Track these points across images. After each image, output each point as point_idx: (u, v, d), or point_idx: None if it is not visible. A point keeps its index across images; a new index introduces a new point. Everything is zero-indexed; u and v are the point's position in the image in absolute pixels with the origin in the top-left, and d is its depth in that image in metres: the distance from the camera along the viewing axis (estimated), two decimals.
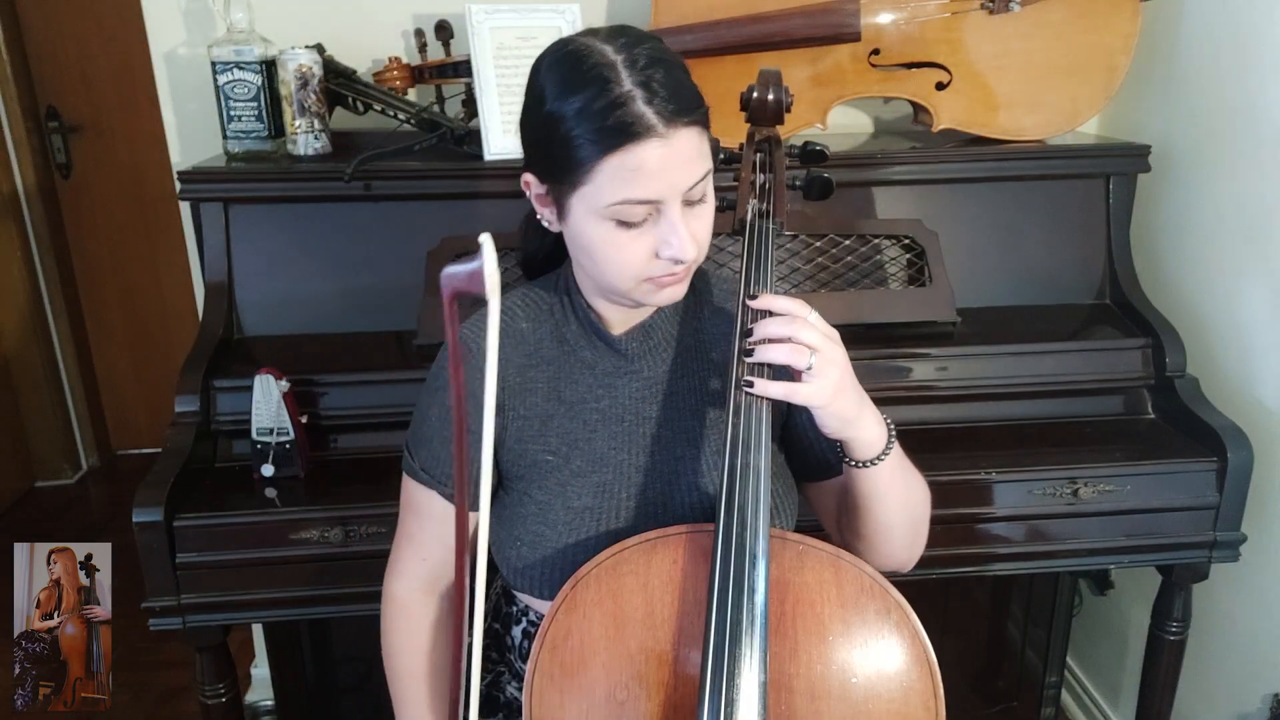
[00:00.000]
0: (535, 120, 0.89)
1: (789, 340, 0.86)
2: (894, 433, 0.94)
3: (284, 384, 1.37)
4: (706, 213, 0.91)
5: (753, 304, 0.90)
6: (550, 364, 1.01)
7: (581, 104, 0.84)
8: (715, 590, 0.81)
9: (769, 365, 0.88)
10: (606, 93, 0.83)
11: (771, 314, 0.89)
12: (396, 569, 1.08)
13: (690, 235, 0.88)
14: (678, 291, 0.94)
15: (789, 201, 1.05)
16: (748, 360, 0.88)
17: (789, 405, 0.93)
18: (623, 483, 0.99)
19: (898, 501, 0.97)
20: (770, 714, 0.82)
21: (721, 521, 0.84)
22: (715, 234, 1.50)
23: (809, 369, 0.85)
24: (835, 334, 0.89)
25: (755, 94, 1.09)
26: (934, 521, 1.38)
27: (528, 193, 0.95)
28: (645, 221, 0.88)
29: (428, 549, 1.04)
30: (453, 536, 0.94)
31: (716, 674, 0.78)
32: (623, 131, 0.83)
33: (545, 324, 1.02)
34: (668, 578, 0.87)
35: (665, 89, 0.84)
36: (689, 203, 0.89)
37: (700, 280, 1.07)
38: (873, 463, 0.93)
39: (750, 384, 0.87)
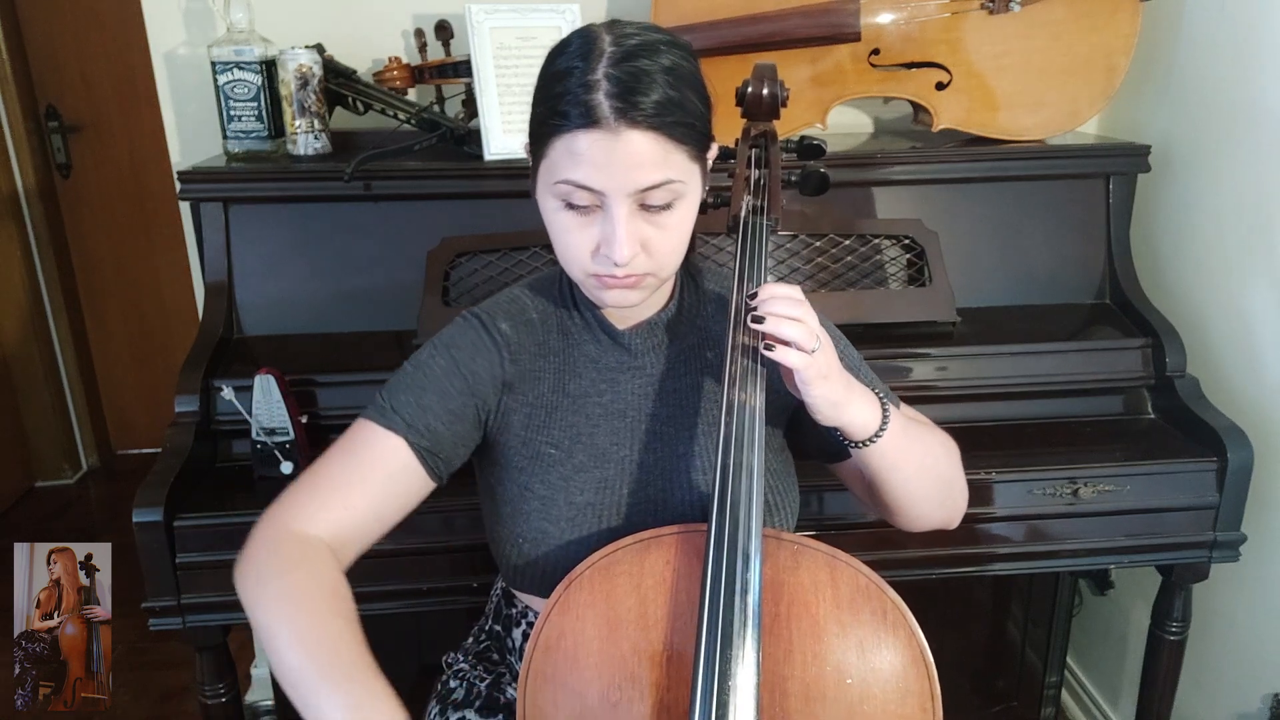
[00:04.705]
0: (537, 82, 0.92)
1: (799, 320, 0.87)
2: (888, 410, 0.94)
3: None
4: (670, 225, 0.90)
5: (754, 301, 0.90)
6: (556, 355, 1.02)
7: (556, 80, 0.87)
8: (707, 590, 0.81)
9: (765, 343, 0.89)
10: (577, 74, 0.85)
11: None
12: (304, 512, 0.91)
13: (632, 238, 0.87)
14: (627, 296, 0.93)
15: (786, 199, 1.05)
16: (754, 326, 0.88)
17: (797, 400, 0.93)
18: (623, 479, 0.99)
19: (912, 468, 0.98)
20: (764, 715, 0.82)
21: (714, 521, 0.84)
22: (710, 232, 1.52)
23: (814, 351, 0.86)
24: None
25: (750, 88, 1.09)
26: None
27: (528, 157, 0.97)
28: (593, 211, 0.88)
29: (357, 501, 0.92)
30: (391, 500, 0.94)
31: (709, 675, 0.78)
32: (576, 114, 0.84)
33: (551, 317, 1.03)
34: (661, 578, 0.86)
35: (635, 88, 0.84)
36: (647, 207, 0.88)
37: (701, 278, 1.07)
38: (872, 440, 0.93)
39: (771, 347, 0.87)
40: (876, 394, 0.95)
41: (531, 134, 0.92)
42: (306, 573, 0.86)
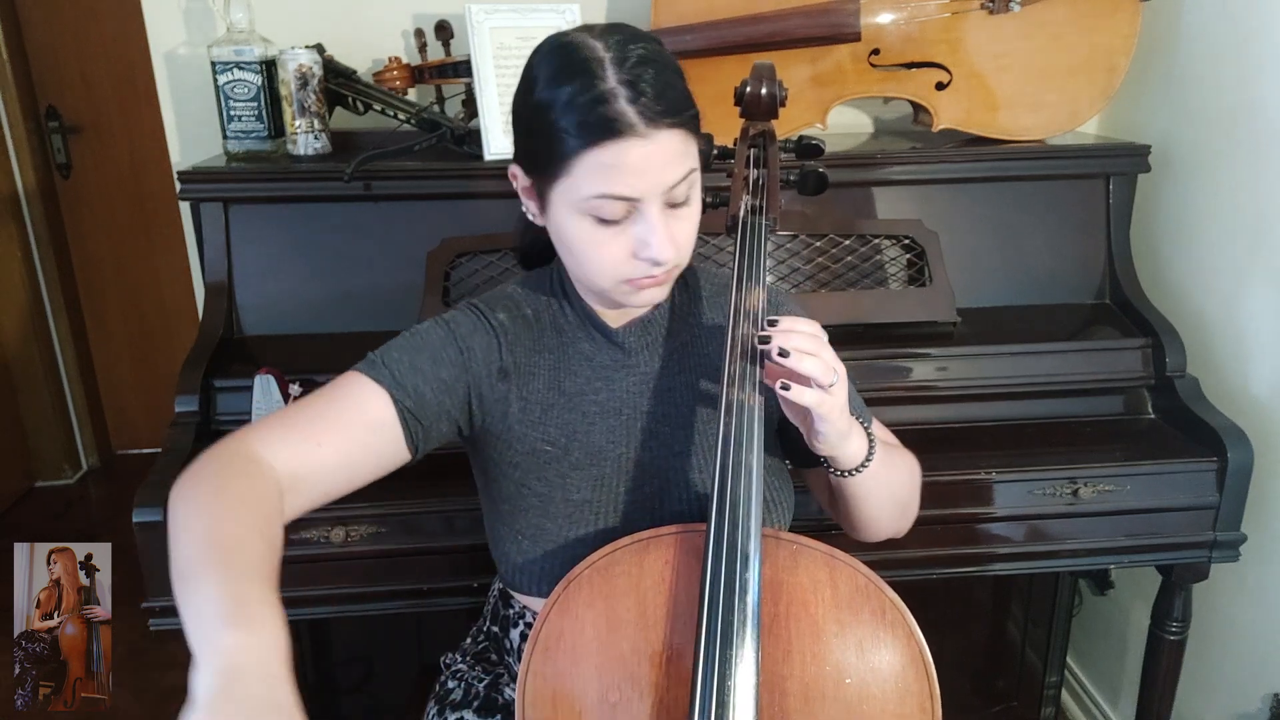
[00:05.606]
0: (523, 110, 0.91)
1: (817, 356, 0.86)
2: (874, 441, 0.95)
3: (296, 388, 1.36)
4: (689, 215, 0.91)
5: (773, 331, 0.87)
6: (551, 353, 1.02)
7: (566, 96, 0.84)
8: (706, 591, 0.81)
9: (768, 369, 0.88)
10: (591, 87, 0.84)
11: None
12: (270, 436, 0.87)
13: (669, 237, 0.88)
14: (657, 294, 0.94)
15: (786, 199, 1.05)
16: (776, 363, 0.86)
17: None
18: (620, 477, 0.99)
19: (881, 495, 0.99)
20: (764, 715, 0.81)
21: (713, 521, 0.84)
22: (711, 232, 1.52)
23: (831, 385, 0.86)
24: None
25: (749, 88, 1.09)
26: (934, 521, 1.40)
27: (514, 184, 0.96)
28: (623, 220, 0.88)
29: (328, 442, 0.89)
30: (362, 453, 0.90)
31: (708, 675, 0.78)
32: (602, 127, 0.83)
33: (545, 314, 1.03)
34: (660, 578, 0.86)
35: (651, 89, 0.84)
36: (671, 204, 0.89)
37: (694, 277, 1.08)
38: (855, 472, 0.94)
39: (788, 388, 0.85)
40: (862, 424, 0.95)
41: (535, 163, 0.90)
42: (246, 485, 0.81)
